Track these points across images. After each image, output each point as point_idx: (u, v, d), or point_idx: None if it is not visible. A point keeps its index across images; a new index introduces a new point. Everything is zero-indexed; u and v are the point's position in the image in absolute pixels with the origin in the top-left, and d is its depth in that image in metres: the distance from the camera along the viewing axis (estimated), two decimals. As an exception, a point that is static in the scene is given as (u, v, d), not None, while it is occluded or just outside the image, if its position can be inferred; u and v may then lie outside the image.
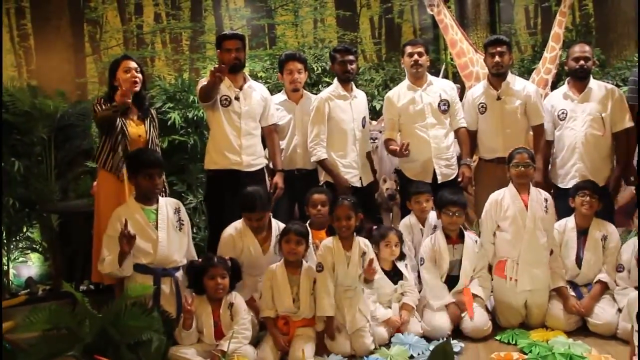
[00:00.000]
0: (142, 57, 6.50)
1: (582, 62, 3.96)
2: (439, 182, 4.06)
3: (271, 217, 3.67)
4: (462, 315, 3.53)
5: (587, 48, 4.00)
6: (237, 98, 3.88)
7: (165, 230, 3.34)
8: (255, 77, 5.59)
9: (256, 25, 6.82)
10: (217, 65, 3.63)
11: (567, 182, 3.98)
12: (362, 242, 3.50)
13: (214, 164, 3.92)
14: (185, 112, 5.00)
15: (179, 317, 3.16)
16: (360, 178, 4.13)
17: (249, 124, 3.92)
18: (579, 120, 3.96)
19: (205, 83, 3.77)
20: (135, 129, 3.66)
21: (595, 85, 4.00)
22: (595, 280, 3.61)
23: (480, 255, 3.70)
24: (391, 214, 4.77)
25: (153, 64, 6.68)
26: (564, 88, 4.11)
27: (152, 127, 3.76)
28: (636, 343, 2.78)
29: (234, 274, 3.29)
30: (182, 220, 3.47)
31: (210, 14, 6.78)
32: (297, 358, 3.13)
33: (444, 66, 6.28)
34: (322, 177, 4.13)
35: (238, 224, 3.60)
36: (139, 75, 3.67)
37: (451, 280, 3.66)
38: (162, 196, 3.58)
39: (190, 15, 6.78)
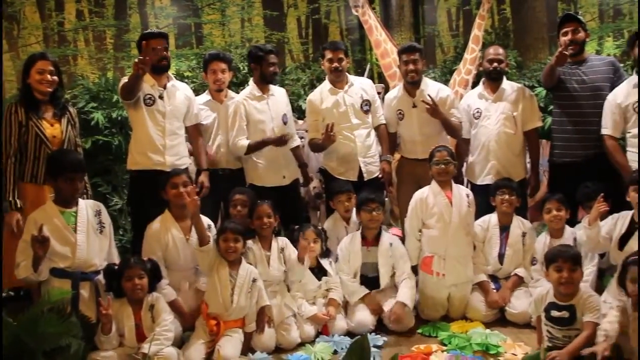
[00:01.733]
0: (64, 55, 6.32)
1: (495, 64, 4.10)
2: (365, 179, 4.15)
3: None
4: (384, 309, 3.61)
5: (500, 51, 4.15)
6: (161, 97, 3.82)
7: (85, 234, 3.24)
8: (181, 77, 5.52)
9: (182, 24, 6.73)
10: (140, 57, 3.54)
11: (483, 178, 4.14)
12: (279, 240, 3.65)
13: (136, 164, 3.85)
14: (110, 112, 4.90)
15: (100, 322, 3.09)
16: (285, 176, 4.15)
17: (173, 124, 3.87)
18: (492, 119, 4.11)
19: (127, 79, 3.69)
20: (50, 129, 3.54)
21: (508, 86, 4.16)
22: (512, 274, 3.79)
23: (403, 260, 3.75)
24: (318, 212, 4.81)
25: (75, 63, 6.48)
26: (479, 88, 4.26)
27: (70, 127, 3.64)
28: (545, 333, 2.97)
29: (154, 274, 3.25)
30: (103, 223, 3.38)
31: (135, 12, 6.64)
32: (222, 358, 3.12)
33: (368, 66, 6.38)
34: (248, 180, 4.15)
35: (161, 216, 3.58)
36: (54, 77, 3.55)
37: (370, 282, 3.72)
38: (84, 198, 3.49)
39: (114, 13, 6.62)
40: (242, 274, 3.35)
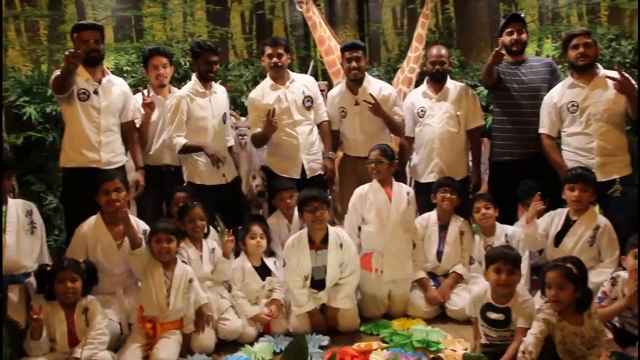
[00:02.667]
0: (-8, 46, 6.04)
1: (437, 66, 4.14)
2: (307, 176, 4.13)
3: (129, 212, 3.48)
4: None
5: (443, 52, 4.18)
6: (95, 92, 3.69)
7: (14, 234, 3.12)
8: (120, 71, 5.38)
9: (122, 16, 6.54)
10: (71, 50, 3.41)
11: (426, 176, 4.18)
12: (209, 241, 3.62)
13: (70, 161, 3.71)
14: (43, 106, 4.71)
15: (29, 327, 2.95)
16: (224, 175, 4.08)
17: (108, 120, 3.74)
18: (436, 118, 4.15)
19: (59, 72, 3.55)
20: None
21: (452, 85, 4.21)
22: (451, 271, 3.84)
23: (354, 262, 3.61)
24: (261, 210, 4.75)
25: (6, 54, 6.20)
26: (423, 87, 4.29)
27: None
28: (481, 331, 2.99)
29: (89, 277, 3.13)
30: (35, 223, 3.26)
31: (71, 3, 6.42)
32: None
33: (312, 63, 6.35)
34: (186, 177, 4.07)
35: (92, 219, 3.45)
36: None
37: (319, 283, 3.61)
38: (11, 197, 3.33)
39: (48, 3, 6.37)
40: (178, 275, 3.27)
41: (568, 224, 3.52)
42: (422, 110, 4.20)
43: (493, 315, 2.90)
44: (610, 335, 2.65)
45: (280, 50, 4.09)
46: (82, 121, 3.65)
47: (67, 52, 3.39)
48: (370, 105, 3.98)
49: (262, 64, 4.42)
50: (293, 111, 4.11)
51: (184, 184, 4.06)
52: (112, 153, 3.75)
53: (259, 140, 4.13)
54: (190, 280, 3.32)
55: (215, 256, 3.60)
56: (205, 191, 3.90)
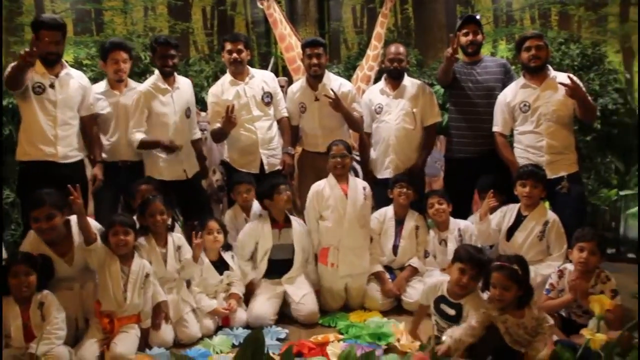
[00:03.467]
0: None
1: (395, 64, 4.20)
2: (266, 171, 4.17)
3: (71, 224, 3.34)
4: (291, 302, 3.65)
5: (401, 50, 4.25)
6: (52, 86, 3.65)
7: (-33, 229, 3.06)
8: (80, 65, 5.31)
9: (81, 9, 6.40)
10: (27, 50, 3.35)
11: (382, 172, 4.25)
12: (175, 237, 3.58)
13: (26, 155, 3.67)
14: (-1, 99, 4.61)
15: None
16: (185, 170, 4.10)
17: (65, 113, 3.70)
18: (393, 115, 4.22)
19: (10, 68, 3.49)
20: None
21: (409, 83, 4.28)
22: (406, 265, 3.93)
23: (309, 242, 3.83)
24: (221, 205, 4.78)
25: (-41, 45, 6.04)
26: (381, 84, 4.37)
27: None
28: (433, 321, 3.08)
29: (44, 270, 3.10)
30: (-12, 218, 3.20)
31: (30, -7, 6.26)
32: (117, 355, 3.04)
33: (273, 59, 6.38)
34: (147, 173, 4.04)
35: (31, 235, 3.28)
36: None
37: (281, 266, 3.74)
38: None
39: (5, -7, 6.21)
40: (135, 269, 3.27)
41: (519, 219, 3.65)
42: (379, 107, 4.27)
43: (446, 309, 2.97)
44: (551, 321, 2.75)
45: (240, 46, 4.12)
46: (38, 115, 3.61)
47: (22, 52, 3.35)
48: (331, 100, 4.03)
49: (222, 59, 4.43)
50: (252, 107, 4.14)
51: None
52: (69, 147, 3.72)
53: (218, 136, 4.15)
54: (147, 275, 3.31)
55: (181, 254, 3.55)
56: (165, 187, 3.89)
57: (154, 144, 3.95)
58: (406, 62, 4.30)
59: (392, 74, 4.25)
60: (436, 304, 3.02)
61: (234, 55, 4.11)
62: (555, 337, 2.77)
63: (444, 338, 2.75)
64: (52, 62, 3.67)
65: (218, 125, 4.06)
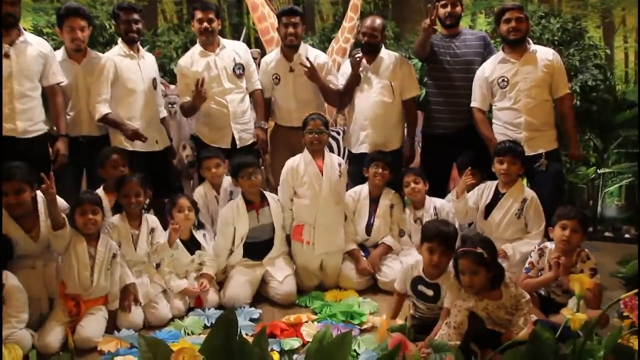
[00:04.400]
0: None
1: (367, 38, 4.03)
2: (238, 146, 4.05)
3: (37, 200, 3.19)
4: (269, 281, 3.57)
5: (377, 23, 4.06)
6: (7, 55, 3.41)
7: None
8: (40, 33, 5.04)
9: (41, -27, 6.11)
10: None
11: (358, 147, 4.13)
12: (150, 219, 3.45)
13: None
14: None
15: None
16: (157, 142, 3.96)
17: (23, 84, 3.47)
18: (370, 88, 4.08)
19: None
20: None
21: (386, 55, 4.15)
22: (380, 242, 3.85)
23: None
24: (192, 181, 4.63)
25: None
26: None
27: None
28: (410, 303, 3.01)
29: (4, 251, 2.94)
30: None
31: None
32: (84, 338, 2.93)
33: (245, 30, 6.18)
34: (116, 143, 3.85)
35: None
36: None
37: (260, 247, 3.64)
38: None
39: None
40: (101, 250, 3.14)
41: (497, 197, 3.58)
42: None
43: (424, 290, 2.90)
44: (528, 296, 2.70)
45: (211, 15, 3.96)
46: None
47: None
48: (306, 70, 3.90)
49: (192, 29, 4.25)
50: (223, 79, 4.00)
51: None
52: (30, 122, 3.50)
53: (188, 110, 4.01)
54: (114, 256, 3.19)
55: (154, 237, 3.42)
56: (136, 157, 3.75)
57: (117, 125, 3.78)
58: (381, 37, 4.13)
59: (365, 49, 4.10)
60: (413, 286, 2.95)
61: (205, 24, 3.95)
62: (534, 317, 2.72)
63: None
64: (9, 26, 3.43)
65: (188, 99, 3.92)
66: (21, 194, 3.02)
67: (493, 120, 3.97)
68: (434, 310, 2.89)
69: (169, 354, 2.06)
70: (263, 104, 4.20)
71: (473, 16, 6.47)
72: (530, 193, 3.55)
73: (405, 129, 4.26)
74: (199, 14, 3.97)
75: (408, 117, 4.20)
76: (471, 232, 3.76)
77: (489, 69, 3.89)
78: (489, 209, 3.59)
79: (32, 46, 3.55)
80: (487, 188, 3.65)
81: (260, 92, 4.20)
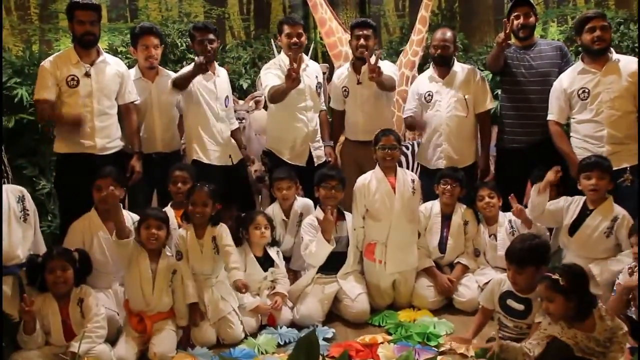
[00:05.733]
0: (-20, 25, 5.80)
1: (439, 50, 3.99)
2: (316, 164, 4.05)
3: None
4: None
5: (448, 35, 4.01)
6: (87, 74, 3.53)
7: (6, 222, 2.96)
8: (114, 52, 5.21)
9: (116, -5, 6.31)
10: None
11: (434, 163, 4.06)
12: (216, 229, 3.40)
13: (63, 148, 3.57)
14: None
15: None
16: (230, 156, 3.98)
17: (102, 103, 3.58)
18: (443, 102, 4.02)
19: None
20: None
21: (459, 68, 4.08)
22: (455, 262, 3.75)
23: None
24: (260, 196, 4.64)
25: (-4, 34, 5.99)
26: (430, 71, 4.16)
27: None
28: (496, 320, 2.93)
29: (83, 266, 3.01)
30: (27, 210, 3.11)
31: (62, -20, 6.17)
32: (157, 354, 2.94)
33: (312, 45, 6.20)
34: (193, 156, 3.90)
35: (88, 214, 3.34)
36: None
37: (334, 257, 3.57)
38: (4, 182, 3.19)
39: (38, -20, 6.13)
40: (162, 267, 3.16)
41: (584, 214, 3.39)
42: (429, 95, 4.07)
43: (514, 305, 2.82)
44: (625, 329, 2.54)
45: (300, 30, 3.95)
46: (74, 108, 3.50)
47: None
48: (371, 67, 3.75)
49: (262, 45, 4.30)
50: (307, 95, 4.01)
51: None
52: (108, 139, 3.61)
53: (279, 94, 3.84)
54: (174, 272, 3.21)
55: (218, 245, 3.37)
56: (211, 171, 3.80)
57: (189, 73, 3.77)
58: (454, 48, 4.08)
59: (437, 62, 4.04)
60: (502, 300, 2.87)
61: (294, 39, 3.93)
62: (628, 344, 2.56)
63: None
64: (89, 45, 3.54)
65: (277, 84, 3.84)
66: (115, 189, 3.15)
67: (571, 134, 3.80)
68: (522, 330, 2.80)
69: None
70: (327, 124, 4.23)
71: (545, 25, 6.27)
72: (621, 211, 3.33)
73: (479, 143, 4.16)
74: (287, 29, 3.95)
75: (482, 130, 4.11)
76: (554, 245, 3.60)
77: (568, 80, 3.73)
78: (576, 225, 3.40)
79: (110, 66, 3.66)
80: (575, 203, 3.46)
81: (325, 112, 4.22)
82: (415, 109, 4.17)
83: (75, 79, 3.50)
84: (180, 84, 3.78)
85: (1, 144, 3.13)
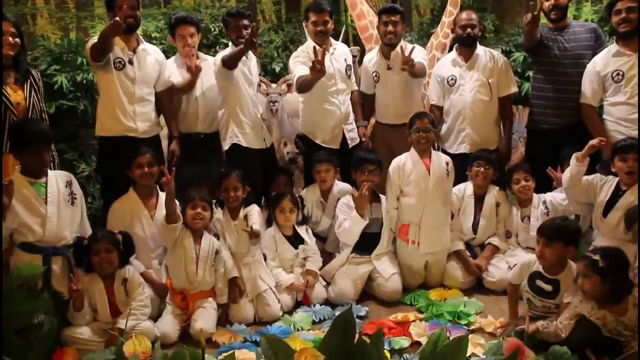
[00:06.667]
0: (22, 14, 5.94)
1: (468, 29, 3.98)
2: (350, 146, 4.08)
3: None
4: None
5: (473, 16, 4.02)
6: (130, 62, 3.63)
7: (56, 205, 3.09)
8: (149, 38, 5.30)
9: (149, -19, 6.41)
10: (117, 19, 3.34)
11: (457, 147, 4.09)
12: (248, 209, 3.56)
13: (106, 130, 3.68)
14: (74, 75, 4.65)
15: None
16: (264, 139, 4.06)
17: (143, 90, 3.69)
18: (467, 86, 4.02)
19: (97, 39, 3.45)
20: (14, 95, 3.32)
21: (482, 52, 4.06)
22: (487, 242, 3.81)
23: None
24: (293, 177, 4.72)
25: (35, 22, 6.13)
26: (453, 54, 4.16)
27: (34, 92, 3.42)
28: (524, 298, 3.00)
29: (126, 247, 3.16)
30: (75, 194, 3.24)
31: (98, -31, 6.29)
32: (198, 331, 3.04)
33: (344, 28, 6.21)
34: (232, 139, 3.91)
35: (127, 194, 3.52)
36: (16, 40, 3.31)
37: (368, 240, 3.67)
38: (51, 167, 3.33)
39: (74, -31, 6.26)
40: (205, 247, 3.30)
41: (617, 195, 3.38)
42: (452, 79, 4.07)
43: (542, 285, 2.88)
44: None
45: (326, 17, 3.95)
46: (118, 90, 3.61)
47: (113, 20, 3.36)
48: (404, 57, 3.79)
49: (294, 29, 4.33)
50: (337, 79, 4.02)
51: (225, 150, 3.96)
52: (148, 122, 3.72)
53: (306, 84, 3.86)
54: (217, 252, 3.34)
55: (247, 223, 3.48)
56: (250, 154, 3.89)
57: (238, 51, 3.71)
58: (479, 29, 4.06)
59: (464, 42, 4.04)
60: (531, 280, 2.93)
61: (320, 27, 3.93)
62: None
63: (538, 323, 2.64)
64: (131, 29, 3.62)
65: (304, 73, 3.84)
66: (152, 166, 3.42)
67: (604, 116, 3.79)
68: (550, 309, 2.87)
69: (289, 353, 2.14)
70: (359, 104, 4.25)
71: (578, 4, 6.18)
72: (656, 193, 3.31)
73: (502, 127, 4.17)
74: (313, 17, 3.95)
75: (503, 115, 4.11)
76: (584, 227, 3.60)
77: (602, 62, 3.71)
78: (609, 206, 3.40)
79: (150, 55, 3.76)
80: (608, 183, 3.45)
81: (357, 92, 4.24)
82: (439, 97, 4.19)
83: (122, 62, 3.61)
84: (231, 63, 3.76)
85: (49, 134, 3.24)
